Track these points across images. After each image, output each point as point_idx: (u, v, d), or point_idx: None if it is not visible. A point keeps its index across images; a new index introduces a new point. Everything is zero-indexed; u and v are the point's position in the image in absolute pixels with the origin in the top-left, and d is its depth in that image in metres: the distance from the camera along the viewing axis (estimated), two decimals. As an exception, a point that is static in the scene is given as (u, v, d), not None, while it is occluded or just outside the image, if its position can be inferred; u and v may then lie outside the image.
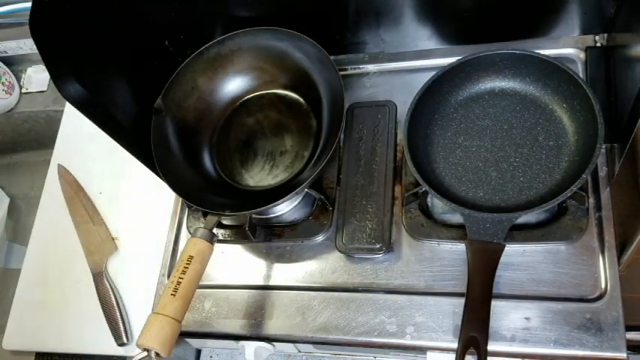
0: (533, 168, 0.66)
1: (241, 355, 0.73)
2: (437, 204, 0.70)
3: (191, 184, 0.75)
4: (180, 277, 0.62)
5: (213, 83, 0.82)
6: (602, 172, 0.66)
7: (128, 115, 0.74)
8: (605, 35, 0.74)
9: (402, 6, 0.74)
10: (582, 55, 0.74)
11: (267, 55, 0.80)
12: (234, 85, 0.82)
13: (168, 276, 0.75)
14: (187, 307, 0.62)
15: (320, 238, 0.73)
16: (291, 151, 0.77)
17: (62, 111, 0.98)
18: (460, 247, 0.65)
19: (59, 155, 0.94)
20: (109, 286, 0.78)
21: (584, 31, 0.74)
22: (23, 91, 1.05)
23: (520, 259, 0.64)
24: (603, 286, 0.61)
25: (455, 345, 0.58)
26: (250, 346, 0.72)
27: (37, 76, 1.06)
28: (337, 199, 0.73)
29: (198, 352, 0.89)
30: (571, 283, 0.62)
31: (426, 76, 0.70)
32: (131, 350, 0.75)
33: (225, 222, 0.76)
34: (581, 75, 0.70)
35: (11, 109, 1.04)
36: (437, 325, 0.64)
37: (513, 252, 0.65)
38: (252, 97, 0.83)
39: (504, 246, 0.61)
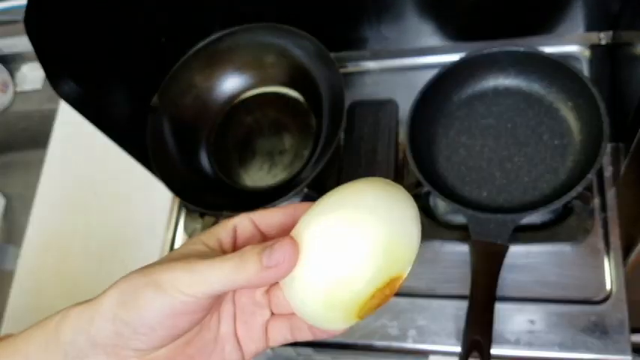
0: (537, 168, 0.65)
1: (240, 359, 0.72)
2: (439, 204, 0.69)
3: (188, 184, 0.75)
4: (177, 280, 0.61)
5: (211, 81, 0.81)
6: (608, 172, 0.65)
7: (124, 114, 0.73)
8: (611, 33, 0.73)
9: (404, 2, 0.73)
10: (587, 53, 0.73)
11: (266, 53, 0.78)
12: (232, 83, 0.81)
13: (165, 277, 0.74)
14: (185, 309, 0.61)
15: (320, 239, 0.72)
16: (291, 150, 0.76)
17: (57, 109, 0.97)
18: (463, 248, 0.65)
19: (54, 154, 0.93)
20: None
21: (589, 28, 0.74)
22: (17, 89, 1.04)
23: (524, 261, 0.64)
24: (608, 288, 0.60)
25: (458, 349, 0.57)
26: (249, 349, 0.72)
27: (32, 75, 1.05)
28: (337, 200, 0.72)
29: (196, 354, 0.88)
30: (576, 285, 0.61)
31: (429, 74, 0.69)
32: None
33: (223, 222, 0.75)
34: (585, 73, 0.69)
35: (5, 108, 1.03)
36: (440, 329, 0.63)
37: (517, 253, 0.64)
38: (251, 95, 0.82)
39: (508, 247, 0.60)
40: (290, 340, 0.35)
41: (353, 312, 0.30)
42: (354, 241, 0.29)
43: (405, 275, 0.31)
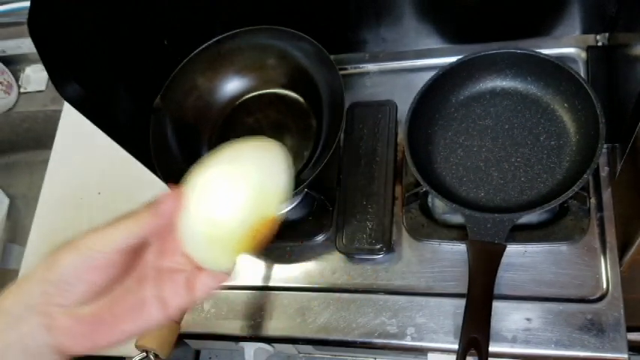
0: (534, 168, 0.66)
1: (241, 357, 0.73)
2: (438, 204, 0.70)
3: (190, 184, 0.75)
4: (179, 278, 0.61)
5: (213, 82, 0.81)
6: (604, 172, 0.66)
7: (127, 115, 0.73)
8: (607, 34, 0.74)
9: (403, 5, 0.74)
10: (583, 55, 0.74)
11: (267, 55, 0.79)
12: (233, 85, 0.82)
13: (168, 276, 0.75)
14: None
15: (320, 239, 0.72)
16: (291, 151, 0.76)
17: (61, 110, 0.98)
18: (461, 247, 0.65)
19: (58, 155, 0.93)
20: None
21: (586, 30, 0.74)
22: (21, 90, 1.05)
23: (521, 260, 0.64)
24: (605, 286, 0.61)
25: (456, 346, 0.58)
26: (250, 347, 0.72)
27: (36, 76, 1.05)
28: (337, 199, 0.73)
29: (198, 353, 0.89)
30: (572, 284, 0.62)
31: (427, 76, 0.70)
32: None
33: (224, 222, 0.76)
34: (582, 74, 0.70)
35: (9, 109, 1.04)
36: (438, 326, 0.64)
37: (514, 252, 0.64)
38: (252, 96, 0.82)
39: (505, 246, 0.60)
40: (213, 287, 0.39)
41: (234, 250, 0.36)
42: (228, 189, 0.35)
43: (276, 216, 0.36)
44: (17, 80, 1.05)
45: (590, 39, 0.74)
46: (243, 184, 0.35)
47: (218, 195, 0.35)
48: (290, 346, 0.73)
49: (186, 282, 0.38)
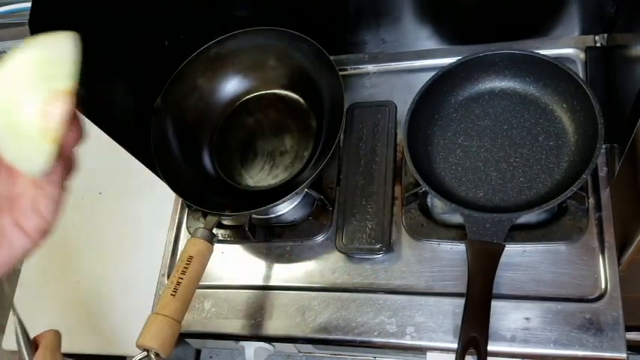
0: (533, 168, 0.66)
1: (241, 356, 0.73)
2: (437, 204, 0.70)
3: (191, 184, 0.75)
4: (180, 278, 0.62)
5: (213, 83, 0.82)
6: (602, 172, 0.66)
7: (128, 116, 0.74)
8: (605, 35, 0.74)
9: (402, 6, 0.74)
10: (582, 55, 0.74)
11: (267, 55, 0.80)
12: (234, 85, 0.82)
13: (168, 276, 0.75)
14: (187, 307, 0.62)
15: (320, 238, 0.73)
16: (291, 151, 0.77)
17: (62, 111, 0.98)
18: (460, 247, 0.65)
19: (59, 155, 0.94)
20: None
21: (584, 31, 0.74)
22: (23, 91, 1.05)
23: (520, 260, 0.64)
24: (603, 286, 0.61)
25: (455, 345, 0.58)
26: (250, 347, 0.72)
27: (37, 77, 1.06)
28: (337, 199, 0.73)
29: (198, 352, 0.89)
30: (571, 284, 0.62)
31: (426, 76, 0.70)
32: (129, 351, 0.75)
33: (225, 222, 0.76)
34: (581, 75, 0.70)
35: (11, 110, 1.04)
36: (437, 326, 0.64)
37: (513, 252, 0.65)
38: (252, 97, 0.83)
39: (504, 246, 0.61)
40: (57, 199, 0.40)
41: (39, 138, 0.36)
42: (14, 76, 0.36)
43: (69, 89, 0.37)
44: (18, 81, 1.05)
45: (589, 40, 0.75)
46: (26, 63, 0.36)
47: (6, 84, 0.36)
48: (290, 345, 0.73)
49: (31, 203, 0.39)
